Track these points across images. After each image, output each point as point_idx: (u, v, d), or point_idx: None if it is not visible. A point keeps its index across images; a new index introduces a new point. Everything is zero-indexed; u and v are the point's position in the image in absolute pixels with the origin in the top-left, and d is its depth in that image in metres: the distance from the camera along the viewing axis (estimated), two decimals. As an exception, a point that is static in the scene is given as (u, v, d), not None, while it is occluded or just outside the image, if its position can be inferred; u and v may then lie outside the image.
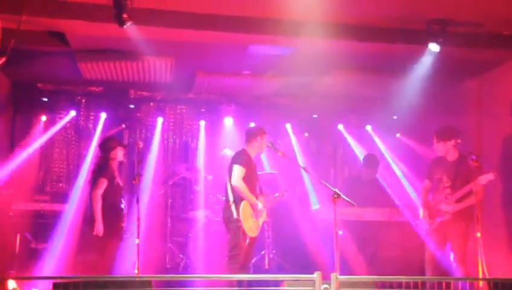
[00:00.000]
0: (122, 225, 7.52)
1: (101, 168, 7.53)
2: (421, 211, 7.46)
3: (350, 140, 10.83)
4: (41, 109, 9.92)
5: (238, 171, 6.86)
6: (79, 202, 9.34)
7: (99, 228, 7.25)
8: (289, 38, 7.29)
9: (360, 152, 10.59)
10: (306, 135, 10.95)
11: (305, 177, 10.23)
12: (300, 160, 10.19)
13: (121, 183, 7.63)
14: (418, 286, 5.20)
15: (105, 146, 7.68)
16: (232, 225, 6.85)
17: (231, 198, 6.90)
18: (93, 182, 7.45)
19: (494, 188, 8.01)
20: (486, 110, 8.60)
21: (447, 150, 7.31)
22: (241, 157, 6.98)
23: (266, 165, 10.15)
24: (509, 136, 8.08)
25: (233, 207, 6.84)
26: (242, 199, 6.86)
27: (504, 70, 8.23)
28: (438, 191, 7.36)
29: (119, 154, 7.65)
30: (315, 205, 9.79)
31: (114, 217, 7.42)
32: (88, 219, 7.46)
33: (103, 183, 7.33)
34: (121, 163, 7.93)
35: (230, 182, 6.92)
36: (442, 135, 7.32)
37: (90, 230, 7.31)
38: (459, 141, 7.22)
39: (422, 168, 8.12)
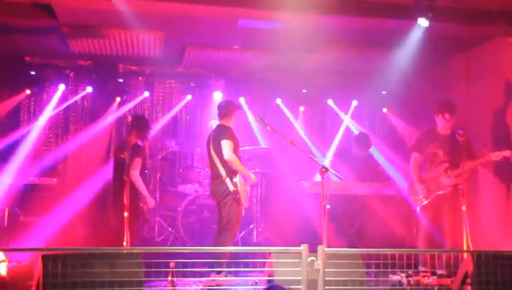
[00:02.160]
0: (143, 205, 7.50)
1: (136, 148, 7.30)
2: (417, 185, 7.40)
3: (342, 115, 10.88)
4: (29, 82, 9.87)
5: (228, 145, 6.86)
6: (67, 175, 9.39)
7: (150, 202, 7.40)
8: (279, 13, 7.26)
9: (347, 127, 10.70)
10: (302, 109, 10.95)
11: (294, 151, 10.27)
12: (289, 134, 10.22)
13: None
14: (403, 259, 5.29)
15: (140, 125, 7.48)
16: (227, 198, 6.88)
17: (223, 173, 6.90)
18: (130, 162, 6.91)
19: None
20: (474, 86, 8.65)
21: (440, 123, 7.35)
22: (227, 133, 6.98)
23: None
24: (497, 112, 8.14)
25: (228, 181, 6.87)
26: (235, 172, 6.90)
27: (492, 46, 8.25)
28: (433, 165, 7.39)
29: (148, 136, 7.68)
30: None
31: (139, 197, 7.40)
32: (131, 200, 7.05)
33: (138, 164, 7.22)
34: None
35: (218, 157, 6.91)
36: (439, 107, 7.35)
37: (120, 209, 6.84)
38: (446, 116, 7.24)
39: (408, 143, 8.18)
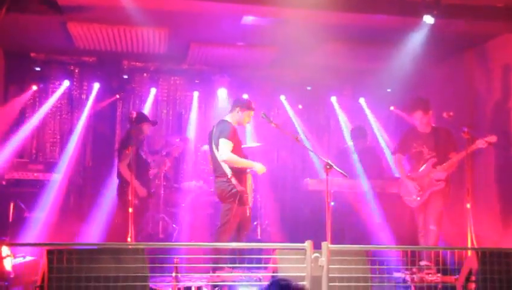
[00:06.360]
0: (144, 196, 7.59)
1: (125, 141, 7.69)
2: (408, 183, 7.43)
3: (340, 113, 10.83)
4: (34, 78, 9.88)
5: (225, 144, 6.68)
6: (71, 171, 9.40)
7: (142, 192, 7.48)
8: (283, 9, 7.25)
9: (346, 125, 10.62)
10: (300, 106, 10.95)
11: (298, 148, 10.25)
12: (293, 131, 10.20)
13: (145, 157, 7.72)
14: (408, 255, 5.30)
15: (133, 120, 7.74)
16: (232, 197, 6.69)
17: (228, 171, 6.71)
18: (119, 154, 7.71)
19: (488, 159, 8.11)
20: (480, 83, 8.62)
21: (416, 122, 7.43)
22: (225, 130, 6.78)
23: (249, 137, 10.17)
24: (503, 110, 8.12)
25: (234, 181, 6.67)
26: (241, 170, 6.79)
27: (498, 43, 8.23)
28: (420, 163, 7.43)
29: (145, 129, 7.80)
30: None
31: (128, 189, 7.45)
32: (118, 189, 7.65)
33: (126, 156, 7.49)
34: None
35: (218, 157, 6.77)
36: (409, 106, 7.52)
37: (121, 199, 7.53)
38: (419, 114, 7.31)
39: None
